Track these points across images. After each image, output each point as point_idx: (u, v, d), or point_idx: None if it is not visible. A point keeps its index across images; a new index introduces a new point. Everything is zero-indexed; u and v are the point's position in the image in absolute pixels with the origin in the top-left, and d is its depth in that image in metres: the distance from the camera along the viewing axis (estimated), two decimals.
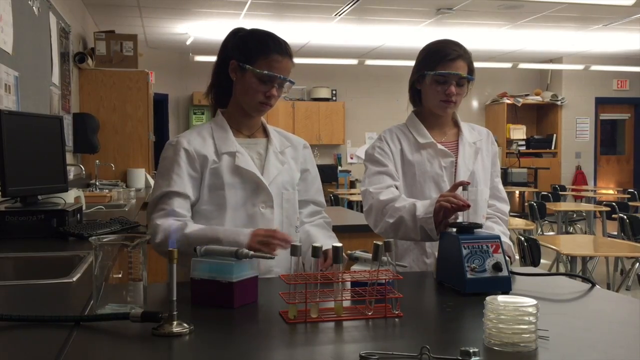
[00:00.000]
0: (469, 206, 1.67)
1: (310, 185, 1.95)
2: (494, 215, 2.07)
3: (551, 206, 7.49)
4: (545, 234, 8.00)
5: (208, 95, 1.89)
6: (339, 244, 1.32)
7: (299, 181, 1.92)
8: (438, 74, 1.97)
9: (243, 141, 1.84)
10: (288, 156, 1.89)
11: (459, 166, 2.04)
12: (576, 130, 11.46)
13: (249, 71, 1.75)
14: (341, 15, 7.56)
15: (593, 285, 1.62)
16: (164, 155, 1.80)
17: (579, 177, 11.43)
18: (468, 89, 2.06)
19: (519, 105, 11.29)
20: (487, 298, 1.11)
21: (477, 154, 2.08)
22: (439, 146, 2.04)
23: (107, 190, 4.77)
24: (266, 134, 1.91)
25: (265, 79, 1.75)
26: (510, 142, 11.26)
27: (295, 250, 1.31)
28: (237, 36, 1.82)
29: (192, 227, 1.68)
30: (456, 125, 2.13)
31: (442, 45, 2.01)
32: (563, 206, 7.86)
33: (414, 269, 2.03)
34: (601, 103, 11.59)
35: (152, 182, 6.18)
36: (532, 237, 4.36)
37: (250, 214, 1.77)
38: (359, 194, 8.72)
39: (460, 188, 1.72)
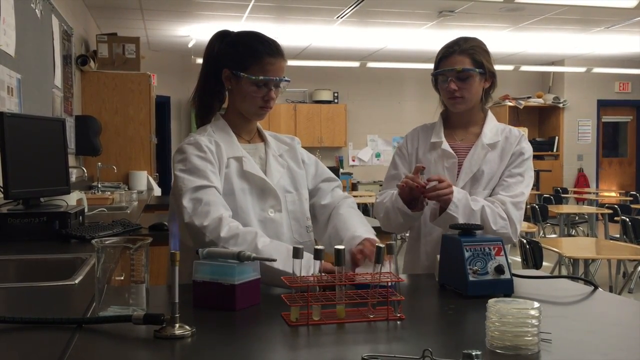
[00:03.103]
0: (423, 187, 1.80)
1: (314, 170, 1.94)
2: (493, 200, 1.96)
3: (553, 209, 7.49)
4: (547, 236, 7.99)
5: (193, 99, 1.85)
6: (342, 247, 1.32)
7: (304, 173, 1.91)
8: (436, 72, 2.01)
9: (245, 146, 1.83)
10: (287, 158, 1.89)
11: (463, 167, 2.02)
12: (578, 133, 11.45)
13: (244, 78, 1.73)
14: (343, 18, 7.56)
15: (595, 288, 1.61)
16: (189, 154, 1.70)
17: (581, 180, 11.42)
18: (493, 84, 2.04)
19: (521, 107, 11.28)
20: (490, 301, 1.11)
21: (487, 156, 2.02)
22: (443, 146, 2.05)
23: (109, 193, 4.78)
24: (262, 138, 1.90)
25: (261, 84, 1.74)
26: None
27: (297, 253, 1.31)
28: (225, 42, 1.80)
29: (264, 241, 1.59)
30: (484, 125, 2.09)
31: (445, 45, 2.04)
32: (565, 209, 7.85)
33: (415, 270, 2.04)
34: (603, 105, 11.59)
35: (154, 184, 6.19)
36: (534, 239, 4.36)
37: (261, 219, 1.75)
38: (361, 196, 8.73)
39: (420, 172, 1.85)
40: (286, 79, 1.77)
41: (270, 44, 1.76)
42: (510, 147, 2.04)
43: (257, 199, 1.76)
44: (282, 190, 1.81)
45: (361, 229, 1.77)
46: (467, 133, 2.09)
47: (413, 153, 2.11)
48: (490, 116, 2.11)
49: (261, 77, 1.73)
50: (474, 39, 2.03)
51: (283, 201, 1.80)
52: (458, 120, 2.09)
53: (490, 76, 2.03)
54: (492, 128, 2.08)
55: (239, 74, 1.74)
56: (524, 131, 11.62)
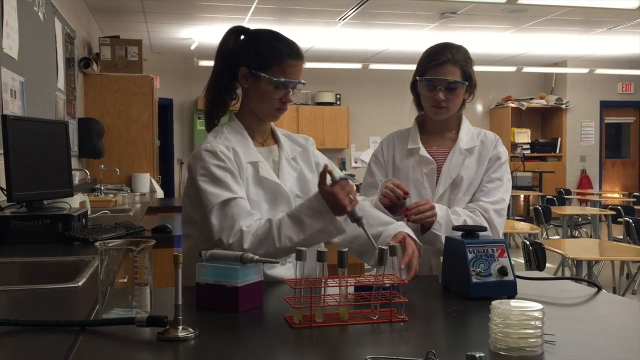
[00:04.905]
0: (406, 209, 1.83)
1: None
2: (475, 208, 1.96)
3: (556, 210, 7.48)
4: (550, 237, 7.98)
5: (205, 96, 1.80)
6: (345, 249, 1.32)
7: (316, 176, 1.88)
8: (425, 79, 1.98)
9: (259, 149, 1.79)
10: (299, 161, 1.86)
11: (442, 173, 2.01)
12: (581, 134, 11.44)
13: (264, 79, 1.70)
14: (345, 20, 7.57)
15: (599, 289, 1.61)
16: (208, 163, 1.66)
17: (584, 181, 11.41)
18: (472, 94, 2.04)
19: (524, 109, 11.27)
20: (493, 302, 1.11)
21: (465, 161, 2.01)
22: (421, 152, 2.03)
23: (112, 195, 4.78)
24: (275, 139, 1.86)
25: (280, 86, 1.71)
26: (514, 145, 11.24)
27: (300, 255, 1.31)
28: (243, 40, 1.76)
29: (275, 230, 1.59)
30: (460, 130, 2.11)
31: (434, 49, 2.00)
32: (568, 210, 7.84)
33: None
34: (606, 106, 11.58)
35: (157, 186, 6.20)
36: (537, 241, 4.35)
37: None
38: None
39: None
40: (303, 81, 1.75)
41: (291, 45, 1.73)
42: (487, 152, 2.04)
43: (269, 204, 1.73)
44: (292, 195, 1.78)
45: (396, 223, 1.77)
46: (443, 138, 2.08)
47: (389, 160, 2.09)
48: (465, 120, 2.10)
49: (282, 80, 1.70)
50: (463, 48, 2.01)
51: (293, 206, 1.77)
52: (434, 126, 2.08)
53: (473, 88, 2.03)
54: (468, 132, 2.07)
55: (258, 74, 1.70)
56: (526, 132, 11.54)
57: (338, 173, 1.61)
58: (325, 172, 1.57)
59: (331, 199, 1.55)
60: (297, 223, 1.58)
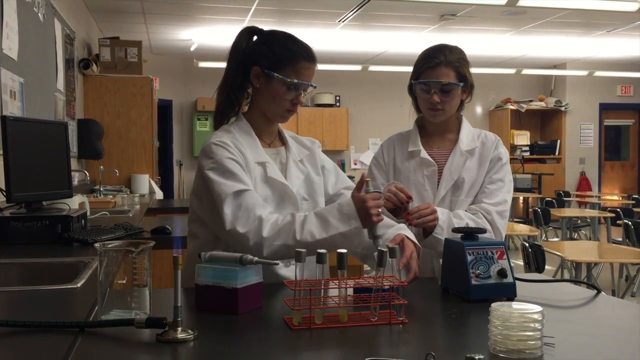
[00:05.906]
0: (408, 213, 1.82)
1: (335, 178, 1.91)
2: (477, 210, 1.96)
3: (555, 212, 7.48)
4: (549, 240, 7.98)
5: (218, 95, 1.79)
6: (344, 250, 1.32)
7: (324, 178, 1.88)
8: (419, 82, 1.98)
9: (267, 151, 1.78)
10: (306, 164, 1.85)
11: (444, 175, 2.01)
12: (580, 136, 11.45)
13: (277, 79, 1.70)
14: (345, 22, 7.57)
15: (598, 291, 1.61)
16: (218, 155, 1.65)
17: (583, 183, 11.41)
18: (470, 95, 2.03)
19: (523, 111, 11.28)
20: (493, 305, 1.11)
21: (466, 163, 2.01)
22: (422, 155, 2.03)
23: (111, 196, 4.78)
24: (283, 141, 1.86)
25: (292, 87, 1.71)
26: (514, 147, 11.25)
27: (299, 257, 1.31)
28: (257, 40, 1.76)
29: (298, 224, 1.57)
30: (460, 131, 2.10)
31: (428, 52, 2.00)
32: (567, 212, 7.84)
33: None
34: (605, 109, 11.59)
35: (156, 187, 6.19)
36: (536, 243, 4.35)
37: None
38: None
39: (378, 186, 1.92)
40: (314, 84, 1.75)
41: (305, 47, 1.73)
42: (487, 153, 2.03)
43: (276, 205, 1.72)
44: (299, 197, 1.78)
45: (396, 225, 1.76)
46: (444, 140, 2.07)
47: (390, 162, 2.09)
48: (465, 122, 2.09)
49: (295, 81, 1.70)
50: (457, 49, 2.00)
51: (300, 208, 1.76)
52: (434, 128, 2.08)
53: (470, 88, 2.02)
54: (468, 134, 2.06)
55: (271, 74, 1.70)
56: (525, 134, 11.52)
57: (374, 187, 1.63)
58: (362, 181, 1.58)
59: (361, 206, 1.55)
60: (322, 221, 1.57)
